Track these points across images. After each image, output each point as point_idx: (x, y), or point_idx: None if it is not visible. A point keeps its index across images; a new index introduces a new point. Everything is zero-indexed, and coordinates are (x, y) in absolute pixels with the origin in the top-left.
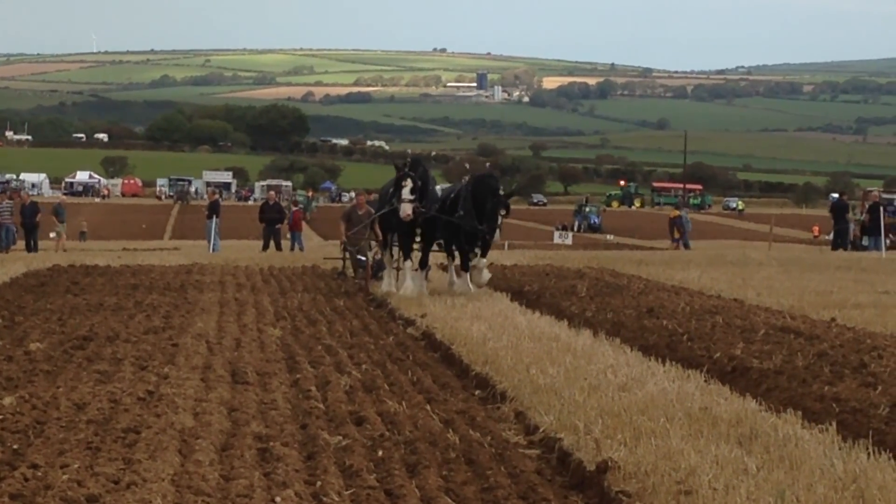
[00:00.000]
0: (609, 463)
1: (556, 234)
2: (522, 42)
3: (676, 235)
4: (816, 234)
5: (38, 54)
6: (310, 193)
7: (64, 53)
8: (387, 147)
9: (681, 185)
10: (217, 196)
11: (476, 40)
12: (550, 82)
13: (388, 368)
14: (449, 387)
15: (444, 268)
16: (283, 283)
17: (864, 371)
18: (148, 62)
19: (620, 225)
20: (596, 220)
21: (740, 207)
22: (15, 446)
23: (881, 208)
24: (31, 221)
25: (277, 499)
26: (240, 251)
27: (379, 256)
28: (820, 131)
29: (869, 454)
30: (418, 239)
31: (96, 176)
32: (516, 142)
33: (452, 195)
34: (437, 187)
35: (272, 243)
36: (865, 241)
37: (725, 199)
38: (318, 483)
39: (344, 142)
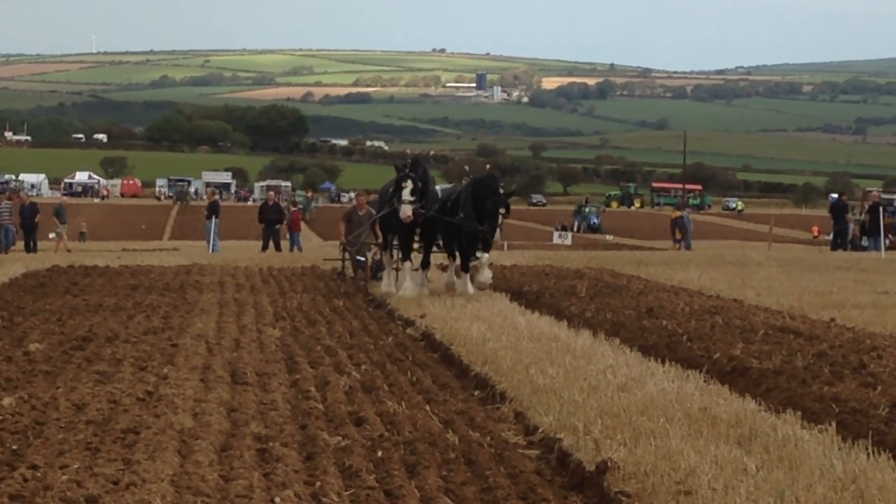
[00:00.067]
0: (608, 463)
1: (556, 234)
2: (522, 42)
3: (678, 236)
4: (816, 234)
5: (38, 55)
6: (309, 194)
7: (63, 54)
8: (386, 147)
9: (680, 186)
10: (216, 196)
11: (475, 40)
12: (550, 82)
13: (387, 369)
14: (448, 387)
15: (444, 268)
16: (283, 284)
17: (863, 371)
18: (147, 62)
19: (620, 225)
20: (595, 221)
21: (740, 208)
22: (14, 447)
23: (881, 208)
24: (30, 222)
25: (277, 499)
26: (239, 252)
27: (378, 257)
28: (819, 131)
29: (868, 454)
30: (418, 239)
31: (95, 176)
32: (516, 142)
33: (453, 197)
34: (437, 187)
35: (271, 244)
36: (865, 242)
37: (725, 199)
38: (318, 483)
39: (343, 142)
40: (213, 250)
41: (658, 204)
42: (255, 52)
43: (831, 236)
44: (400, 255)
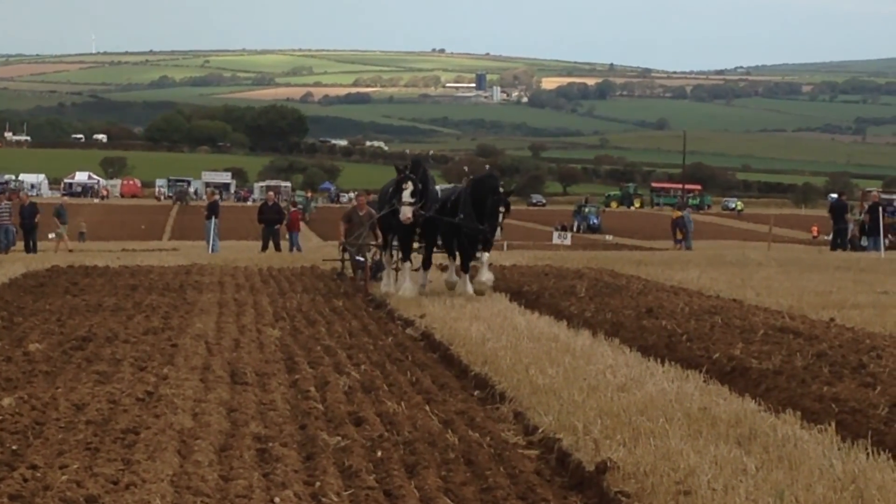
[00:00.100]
0: (608, 463)
1: (555, 234)
2: (521, 42)
3: (679, 236)
4: (815, 234)
5: (37, 55)
6: (309, 194)
7: (63, 54)
8: (386, 148)
9: (680, 186)
10: (216, 197)
11: (475, 41)
12: (549, 83)
13: (387, 369)
14: (448, 387)
15: (444, 268)
16: (282, 284)
17: (863, 371)
18: (147, 63)
19: (620, 225)
20: (595, 221)
21: (739, 208)
22: (14, 447)
23: (880, 208)
24: (30, 222)
25: (276, 499)
26: (239, 252)
27: (378, 257)
28: (819, 131)
29: (868, 454)
30: (418, 240)
31: (95, 176)
32: (515, 142)
33: (453, 198)
34: (437, 187)
35: (271, 244)
36: (864, 242)
37: (724, 199)
38: (317, 483)
39: (343, 142)
40: (212, 250)
41: (658, 204)
42: (254, 53)
43: (831, 236)
44: (400, 256)
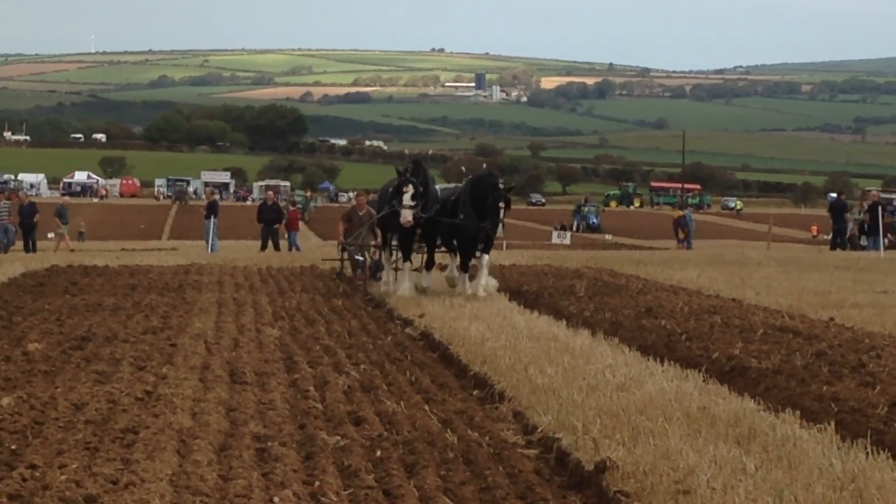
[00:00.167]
0: (607, 463)
1: (555, 233)
2: (520, 42)
3: (681, 236)
4: (815, 233)
5: (37, 54)
6: (308, 193)
7: (62, 54)
8: (385, 147)
9: (679, 185)
10: (215, 196)
11: (474, 40)
12: (549, 82)
13: (386, 368)
14: (447, 387)
15: (443, 268)
16: (282, 284)
17: (862, 371)
18: (146, 62)
19: (619, 225)
20: (595, 220)
21: (739, 207)
22: (13, 447)
23: (880, 208)
24: (29, 222)
25: (276, 499)
26: (238, 251)
27: (378, 257)
28: (818, 131)
29: (867, 454)
30: (418, 240)
31: (94, 176)
32: (515, 142)
33: (453, 198)
34: (437, 187)
35: (270, 243)
36: (864, 241)
37: (724, 198)
38: (317, 483)
39: (342, 142)
40: (211, 250)
41: (657, 203)
42: (253, 52)
43: (830, 236)
44: (399, 255)
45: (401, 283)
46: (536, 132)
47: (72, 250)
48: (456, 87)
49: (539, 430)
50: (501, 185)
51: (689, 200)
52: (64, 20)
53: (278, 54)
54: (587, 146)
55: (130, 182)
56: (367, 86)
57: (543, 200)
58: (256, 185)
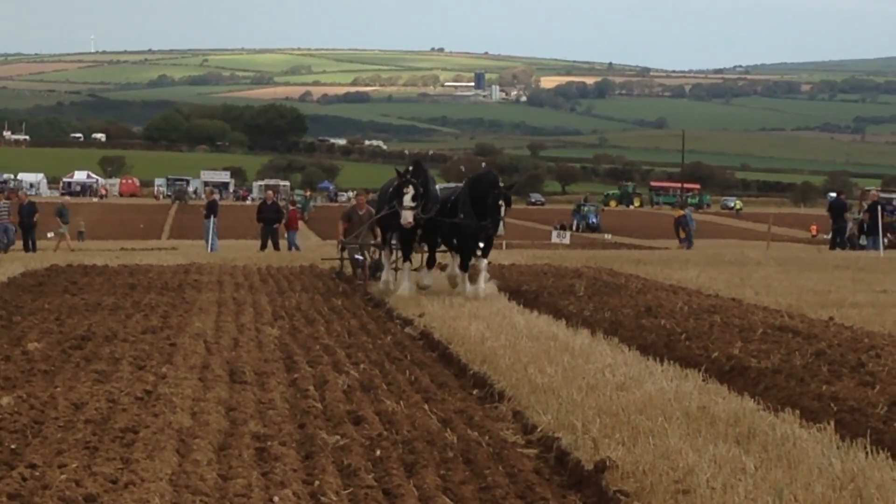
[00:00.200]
0: (607, 462)
1: (554, 233)
2: (520, 41)
3: (682, 235)
4: (814, 233)
5: (36, 54)
6: (308, 193)
7: (62, 53)
8: (385, 147)
9: (679, 185)
10: (215, 196)
11: (474, 40)
12: (548, 82)
13: (386, 368)
14: (447, 386)
15: (443, 268)
16: (281, 283)
17: (861, 370)
18: (146, 62)
19: (619, 224)
20: (594, 220)
21: (738, 207)
22: (13, 446)
23: (879, 207)
24: (28, 221)
25: (275, 498)
26: (238, 251)
27: (377, 256)
28: (818, 130)
29: (867, 453)
30: (418, 240)
31: (94, 176)
32: (514, 141)
33: (453, 198)
34: (437, 186)
35: (270, 243)
36: (863, 241)
37: (723, 198)
38: (316, 482)
39: (342, 141)
40: (211, 249)
41: (657, 203)
42: (253, 52)
43: (830, 235)
44: (399, 255)
45: (400, 283)
46: (536, 132)
47: (72, 250)
48: (455, 87)
49: (539, 429)
50: (501, 184)
51: (689, 200)
52: (63, 20)
53: (278, 54)
54: (587, 146)
55: (130, 181)
56: (366, 85)
57: (543, 200)
58: (256, 184)
